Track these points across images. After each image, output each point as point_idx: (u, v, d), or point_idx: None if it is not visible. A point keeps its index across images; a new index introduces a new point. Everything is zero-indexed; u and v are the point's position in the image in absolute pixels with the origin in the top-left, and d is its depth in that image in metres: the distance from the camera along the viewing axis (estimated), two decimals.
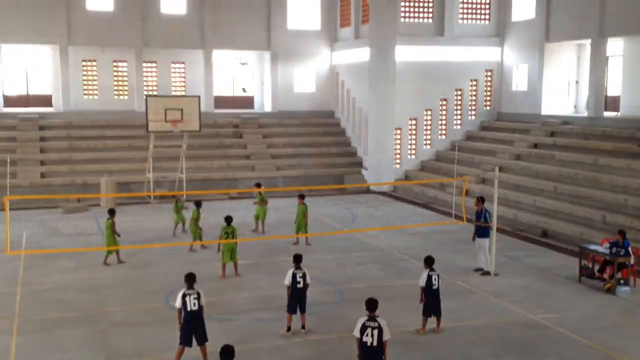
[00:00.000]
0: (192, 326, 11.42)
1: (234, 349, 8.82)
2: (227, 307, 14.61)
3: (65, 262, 18.06)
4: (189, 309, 11.38)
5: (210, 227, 20.36)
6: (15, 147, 29.26)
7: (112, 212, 18.49)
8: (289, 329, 13.00)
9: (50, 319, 13.83)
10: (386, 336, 10.12)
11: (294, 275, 12.93)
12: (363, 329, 10.08)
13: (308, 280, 13.05)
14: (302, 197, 20.35)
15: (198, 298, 11.46)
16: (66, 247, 19.35)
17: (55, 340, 12.64)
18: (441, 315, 13.18)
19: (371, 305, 10.24)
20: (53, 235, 21.42)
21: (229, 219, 17.18)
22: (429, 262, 13.21)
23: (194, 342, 11.45)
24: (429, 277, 13.00)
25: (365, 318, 10.19)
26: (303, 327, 13.07)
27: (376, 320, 10.12)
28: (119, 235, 18.30)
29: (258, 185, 22.68)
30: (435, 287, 13.02)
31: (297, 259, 13.17)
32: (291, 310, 12.98)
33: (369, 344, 10.02)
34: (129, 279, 16.82)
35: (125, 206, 26.15)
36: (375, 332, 10.02)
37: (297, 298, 12.94)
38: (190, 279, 11.63)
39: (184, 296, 11.42)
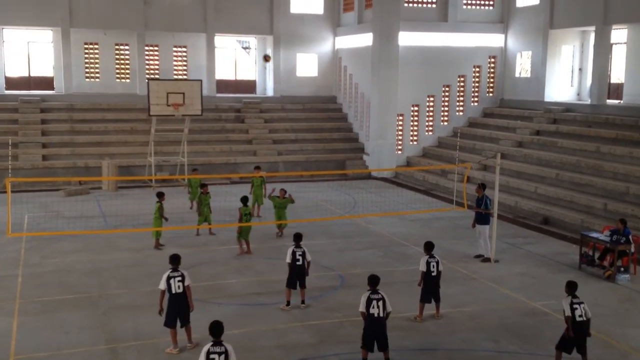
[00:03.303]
0: (176, 308, 11.35)
1: (222, 324, 9.03)
2: (226, 291, 14.64)
3: (67, 245, 18.10)
4: (173, 291, 11.32)
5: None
6: (17, 130, 29.24)
7: (161, 195, 18.03)
8: (288, 303, 13.42)
9: (52, 301, 13.88)
10: (388, 308, 10.86)
11: (293, 253, 13.45)
12: (369, 302, 10.74)
13: (308, 257, 13.57)
14: (284, 191, 19.39)
15: (182, 280, 11.37)
16: (67, 229, 19.39)
17: (56, 322, 12.69)
18: (440, 301, 13.21)
19: (373, 280, 10.99)
20: (55, 218, 21.45)
21: (244, 199, 17.86)
22: (428, 248, 13.25)
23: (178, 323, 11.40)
24: (428, 264, 13.01)
25: (368, 292, 10.85)
26: (303, 302, 13.48)
27: (379, 292, 10.85)
28: (166, 219, 17.92)
29: (257, 168, 22.68)
30: (433, 273, 13.01)
31: (297, 237, 13.68)
32: (290, 285, 13.44)
33: (376, 315, 10.71)
34: (130, 262, 16.85)
35: (126, 190, 26.21)
36: (381, 303, 10.79)
37: (296, 275, 13.41)
38: (174, 261, 11.56)
39: (168, 278, 11.36)
